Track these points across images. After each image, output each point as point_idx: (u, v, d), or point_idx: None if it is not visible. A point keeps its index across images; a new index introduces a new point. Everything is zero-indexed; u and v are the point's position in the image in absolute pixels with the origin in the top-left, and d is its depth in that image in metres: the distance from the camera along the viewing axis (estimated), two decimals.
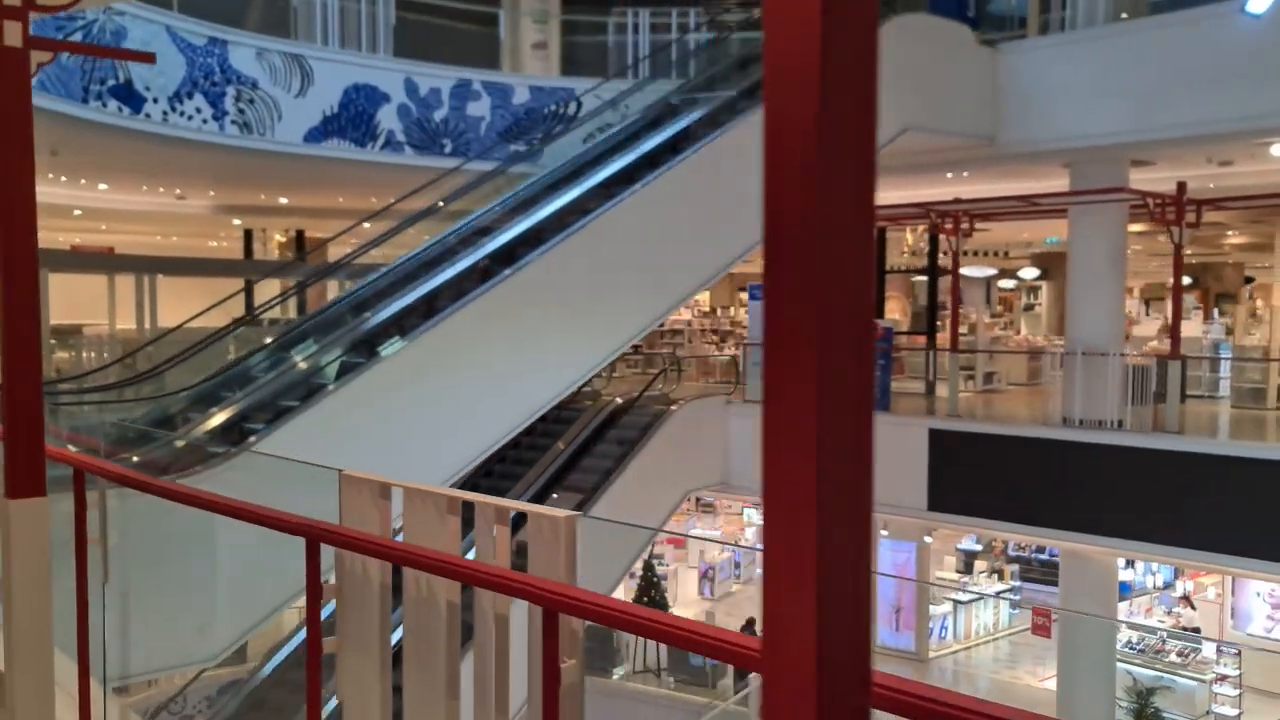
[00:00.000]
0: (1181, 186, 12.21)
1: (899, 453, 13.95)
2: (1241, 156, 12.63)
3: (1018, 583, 21.35)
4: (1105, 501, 12.33)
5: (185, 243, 24.98)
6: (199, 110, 12.38)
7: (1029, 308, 29.02)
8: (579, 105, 15.20)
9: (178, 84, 12.15)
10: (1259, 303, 37.94)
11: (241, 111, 12.79)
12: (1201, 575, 18.47)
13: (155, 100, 11.95)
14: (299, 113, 13.30)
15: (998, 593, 20.57)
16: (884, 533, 18.74)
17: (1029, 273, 29.08)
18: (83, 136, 11.79)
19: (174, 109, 12.13)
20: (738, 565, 23.96)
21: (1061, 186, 13.73)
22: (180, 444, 8.43)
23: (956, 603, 19.62)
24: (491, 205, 11.64)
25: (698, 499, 22.24)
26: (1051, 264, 29.21)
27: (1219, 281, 33.77)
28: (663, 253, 10.50)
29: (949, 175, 14.61)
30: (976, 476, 13.40)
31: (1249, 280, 35.02)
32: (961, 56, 12.86)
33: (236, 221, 20.89)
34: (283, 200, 18.35)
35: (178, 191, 17.49)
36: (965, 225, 14.13)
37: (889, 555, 19.05)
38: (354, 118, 13.79)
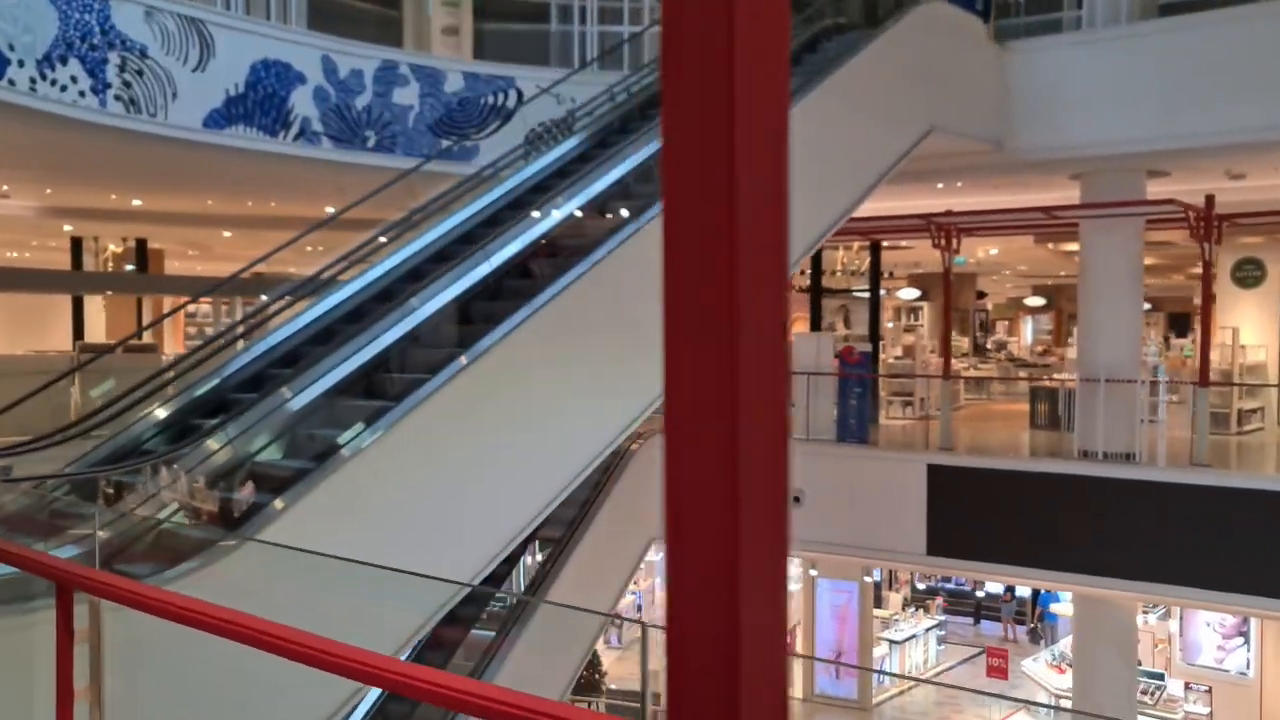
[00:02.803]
0: (1210, 200, 11.36)
1: (893, 491, 12.59)
2: (1266, 169, 11.92)
3: (943, 617, 20.47)
4: (1130, 541, 11.29)
5: None
6: (74, 79, 9.68)
7: (909, 329, 28.58)
8: (519, 96, 13.17)
9: (49, 44, 9.44)
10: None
11: (128, 85, 10.14)
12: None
13: (21, 64, 9.21)
14: (198, 91, 10.73)
15: (927, 627, 19.57)
16: (814, 572, 17.41)
17: (908, 293, 28.67)
18: None
19: (44, 76, 9.41)
20: (639, 608, 22.22)
21: (1065, 199, 12.73)
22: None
23: (892, 643, 18.50)
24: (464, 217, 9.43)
25: None
26: (931, 285, 28.93)
27: (1071, 302, 34.51)
28: None
29: (940, 185, 13.38)
30: (982, 516, 12.15)
31: None
32: (974, 53, 11.65)
33: (67, 227, 17.61)
34: (136, 202, 15.40)
35: (5, 188, 14.32)
36: (955, 241, 12.93)
37: (827, 596, 17.72)
38: (263, 100, 11.31)
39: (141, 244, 18.90)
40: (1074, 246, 20.71)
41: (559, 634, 11.16)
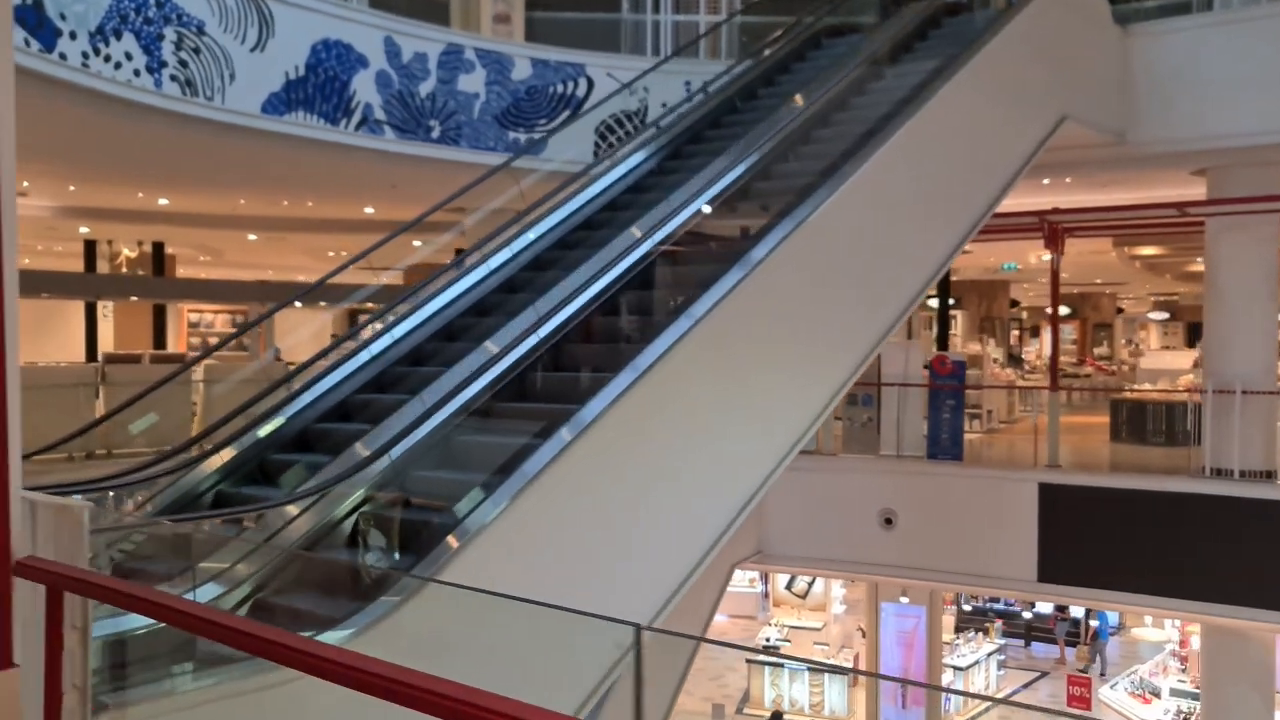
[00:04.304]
0: None
1: (997, 513, 11.62)
2: None
3: (1003, 640, 19.50)
4: (1272, 567, 10.36)
5: None
6: (129, 56, 8.62)
7: None
8: (590, 85, 12.18)
9: (101, 16, 8.38)
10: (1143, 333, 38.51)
11: (184, 64, 9.08)
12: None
13: (73, 36, 8.14)
14: (257, 73, 9.69)
15: (989, 652, 18.59)
16: (905, 599, 16.41)
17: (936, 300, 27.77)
18: None
19: (97, 51, 8.34)
20: None
21: (1171, 196, 11.83)
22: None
23: (956, 669, 17.53)
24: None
25: None
26: (964, 292, 28.08)
27: (1096, 311, 33.78)
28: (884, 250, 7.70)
29: (1046, 181, 12.44)
30: (1101, 540, 11.19)
31: (1120, 311, 35.31)
32: (1099, 36, 10.74)
33: (84, 229, 16.46)
34: (162, 201, 14.29)
35: (25, 184, 13.18)
36: (1061, 241, 12.00)
37: (893, 621, 16.70)
38: (323, 84, 10.26)
39: (159, 248, 17.78)
40: (1147, 251, 19.89)
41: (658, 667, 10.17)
